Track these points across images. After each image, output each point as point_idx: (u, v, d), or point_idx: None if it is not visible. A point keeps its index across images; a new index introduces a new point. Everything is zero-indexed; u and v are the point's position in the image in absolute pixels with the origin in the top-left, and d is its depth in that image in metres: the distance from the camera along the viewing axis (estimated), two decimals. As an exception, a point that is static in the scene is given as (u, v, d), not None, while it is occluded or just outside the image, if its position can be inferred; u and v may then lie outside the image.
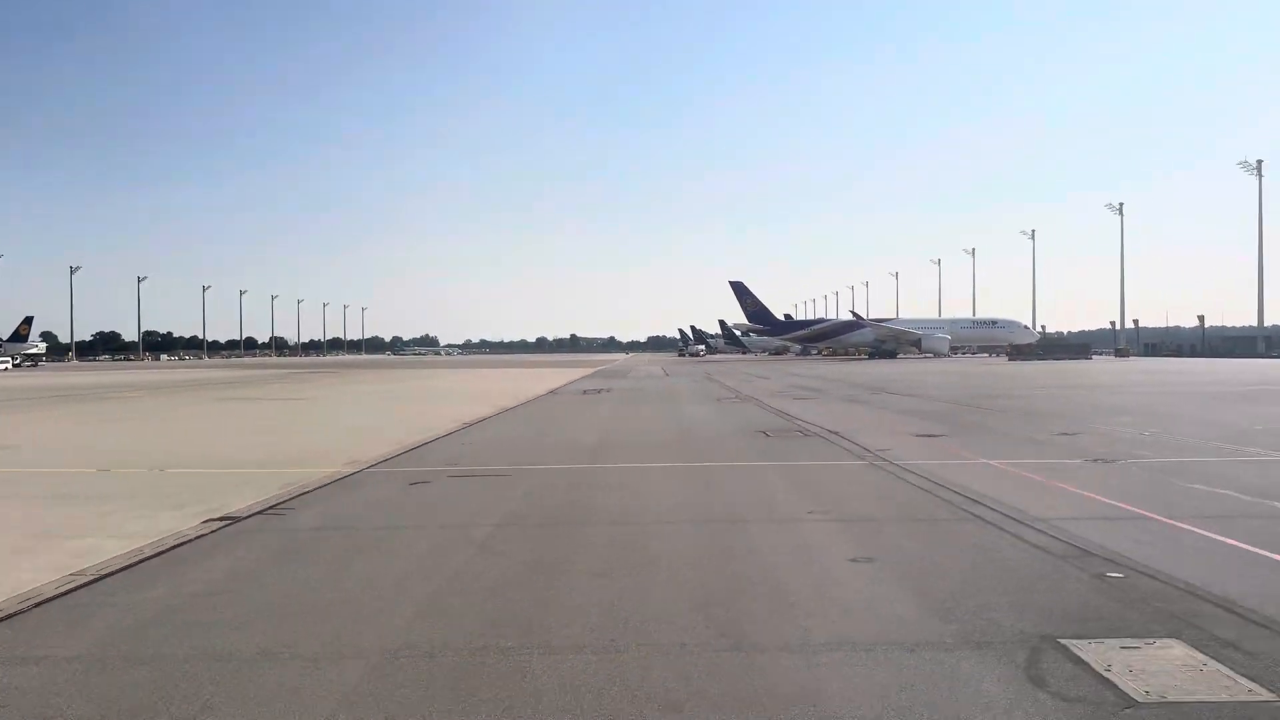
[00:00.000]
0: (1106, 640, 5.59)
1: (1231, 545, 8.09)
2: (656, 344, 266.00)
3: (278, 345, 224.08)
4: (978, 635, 5.74)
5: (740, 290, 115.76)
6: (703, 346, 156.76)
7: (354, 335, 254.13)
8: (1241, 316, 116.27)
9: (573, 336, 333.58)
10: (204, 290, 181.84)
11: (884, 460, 14.14)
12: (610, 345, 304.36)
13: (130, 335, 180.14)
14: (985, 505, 10.10)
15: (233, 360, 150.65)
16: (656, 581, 7.12)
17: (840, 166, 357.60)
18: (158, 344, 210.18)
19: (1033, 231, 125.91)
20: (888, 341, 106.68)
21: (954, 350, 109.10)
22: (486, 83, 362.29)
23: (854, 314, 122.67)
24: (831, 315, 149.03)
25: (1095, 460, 14.04)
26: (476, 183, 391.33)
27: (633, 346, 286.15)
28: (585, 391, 38.26)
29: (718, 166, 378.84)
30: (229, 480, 12.84)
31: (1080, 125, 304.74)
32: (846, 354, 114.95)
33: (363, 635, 5.86)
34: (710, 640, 5.69)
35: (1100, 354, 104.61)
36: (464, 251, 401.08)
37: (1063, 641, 5.57)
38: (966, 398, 30.82)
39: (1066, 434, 18.14)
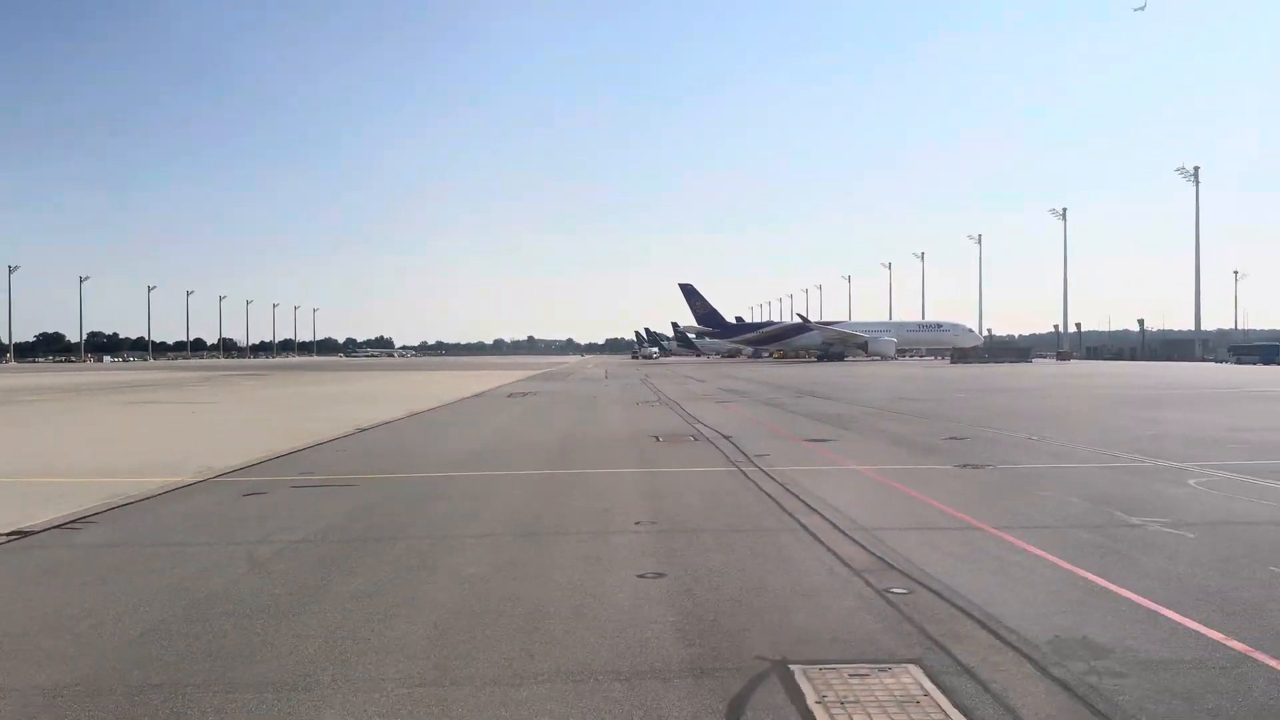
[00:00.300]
0: (843, 666, 5.24)
1: (1039, 558, 7.82)
2: (614, 346, 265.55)
3: (226, 347, 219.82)
4: (711, 661, 5.35)
5: (690, 293, 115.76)
6: (656, 349, 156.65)
7: (311, 336, 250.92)
8: (1184, 320, 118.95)
9: (530, 338, 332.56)
10: (149, 290, 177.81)
11: (755, 467, 13.80)
12: (569, 347, 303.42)
13: (76, 336, 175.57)
14: (820, 514, 9.78)
15: (175, 362, 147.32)
16: (416, 605, 6.63)
17: (802, 174, 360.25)
18: (103, 345, 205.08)
19: (979, 236, 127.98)
20: (835, 344, 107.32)
21: (901, 353, 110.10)
22: (458, 86, 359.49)
23: (801, 317, 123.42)
24: (788, 319, 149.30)
25: (965, 466, 13.84)
26: (437, 186, 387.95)
27: (591, 349, 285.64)
28: (511, 395, 37.65)
29: (679, 172, 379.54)
30: (57, 490, 12.12)
31: (1033, 134, 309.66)
32: (797, 356, 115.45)
33: (39, 670, 5.31)
34: (417, 674, 5.22)
35: (1043, 357, 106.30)
36: (425, 253, 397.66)
37: (794, 667, 5.21)
38: (886, 400, 30.76)
39: (957, 438, 18.00)
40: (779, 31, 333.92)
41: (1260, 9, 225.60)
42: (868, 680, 5.03)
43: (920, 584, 6.97)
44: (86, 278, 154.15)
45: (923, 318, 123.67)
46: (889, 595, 6.70)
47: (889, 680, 5.03)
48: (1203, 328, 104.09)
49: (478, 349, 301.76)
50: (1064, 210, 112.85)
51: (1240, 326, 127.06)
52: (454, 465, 14.61)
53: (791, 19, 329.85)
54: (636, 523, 9.52)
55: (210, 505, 11.04)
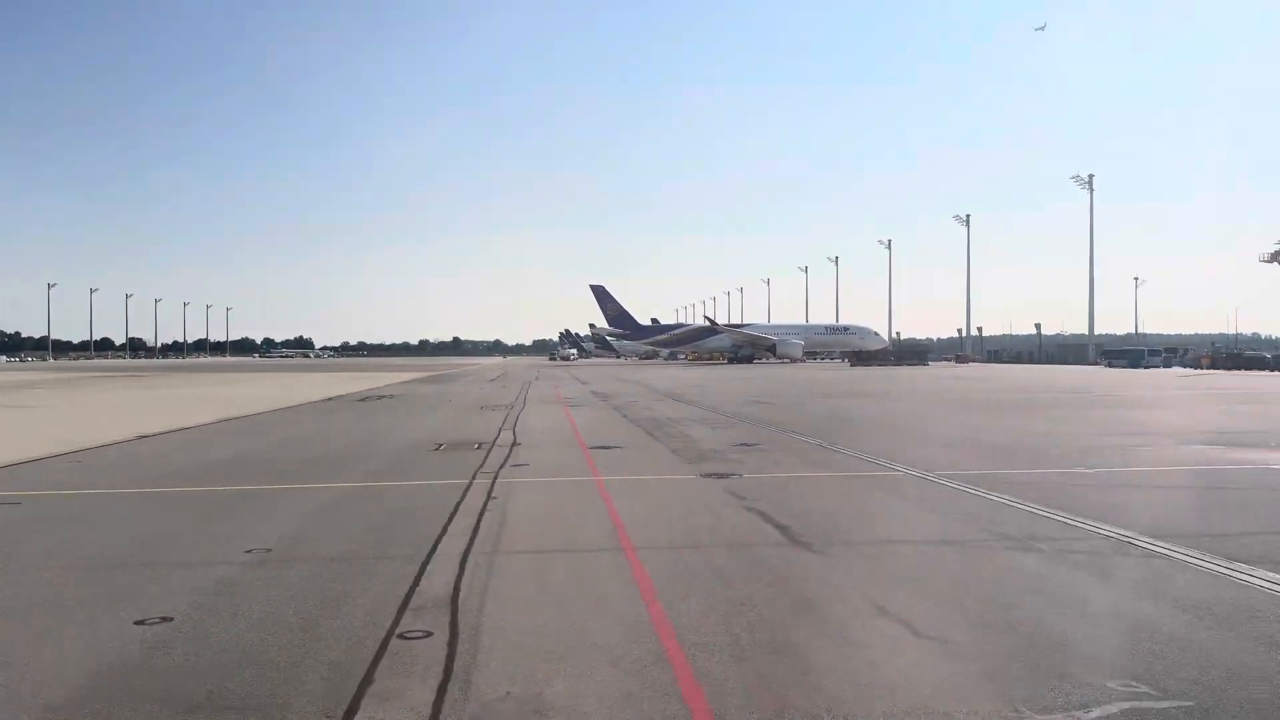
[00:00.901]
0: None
1: (630, 587, 7.03)
2: (540, 348, 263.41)
3: (134, 346, 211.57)
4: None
5: (601, 294, 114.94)
6: (575, 351, 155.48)
7: (225, 336, 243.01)
8: (1085, 325, 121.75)
9: (456, 339, 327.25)
10: (49, 288, 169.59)
11: (490, 480, 12.89)
12: (496, 348, 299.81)
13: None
14: (476, 535, 8.93)
15: (74, 363, 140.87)
16: None
17: (733, 179, 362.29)
18: (3, 345, 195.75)
19: (889, 242, 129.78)
20: (744, 346, 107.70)
21: (812, 355, 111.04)
22: (387, 82, 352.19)
23: (709, 320, 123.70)
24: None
25: (709, 475, 13.15)
26: (363, 186, 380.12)
27: (518, 350, 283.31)
28: (366, 398, 36.25)
29: (610, 174, 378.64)
30: None
31: (946, 145, 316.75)
32: (710, 359, 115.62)
33: None
34: None
35: (946, 360, 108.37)
36: (359, 252, 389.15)
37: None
38: (736, 404, 30.25)
39: (748, 444, 17.43)
40: (712, 38, 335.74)
41: (1158, 28, 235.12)
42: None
43: (456, 628, 6.07)
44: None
45: (836, 321, 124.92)
46: (400, 637, 5.83)
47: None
48: (1111, 332, 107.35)
49: (402, 350, 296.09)
50: (967, 216, 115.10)
51: (1140, 331, 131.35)
52: (172, 480, 13.35)
53: (716, 25, 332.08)
54: (248, 551, 8.48)
55: None
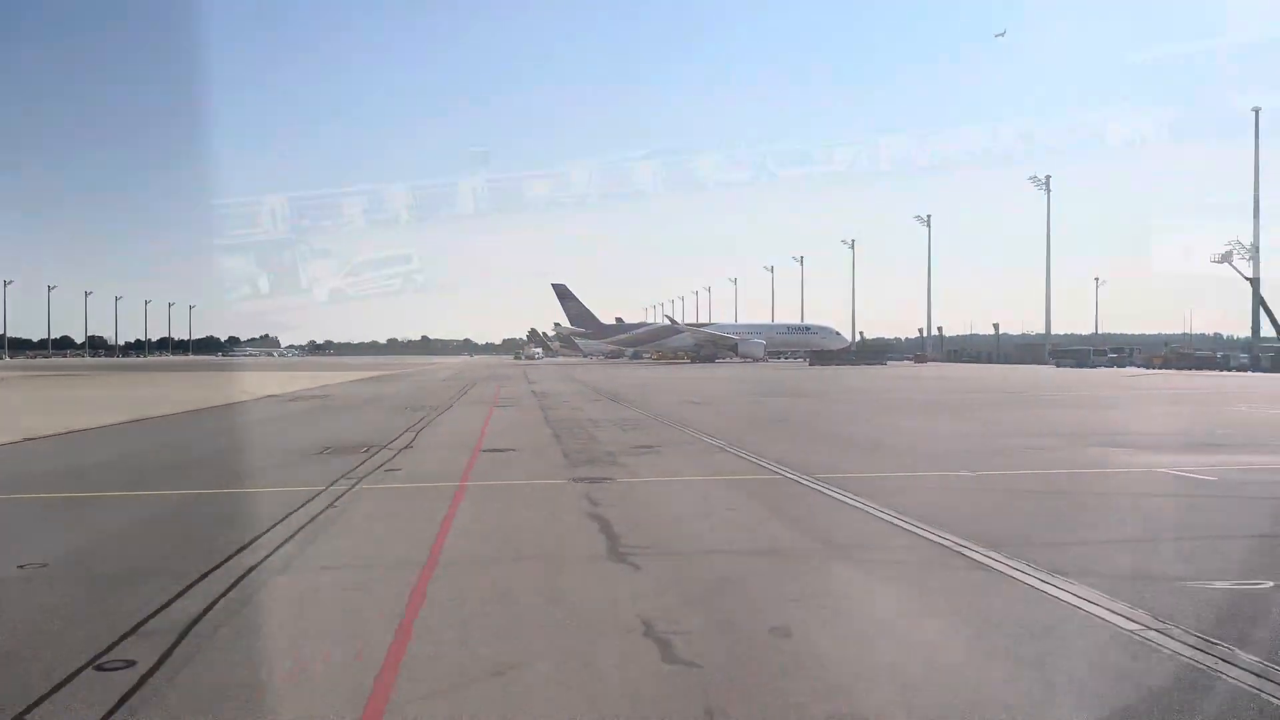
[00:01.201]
0: None
1: (394, 610, 6.55)
2: (510, 346, 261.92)
3: (94, 345, 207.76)
4: None
5: (563, 293, 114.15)
6: (539, 350, 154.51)
7: (202, 334, 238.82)
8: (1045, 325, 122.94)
9: (424, 338, 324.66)
10: (5, 285, 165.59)
11: (349, 486, 12.33)
12: (465, 347, 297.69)
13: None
14: (271, 550, 8.36)
15: (29, 361, 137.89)
16: None
17: (726, 176, 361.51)
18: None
19: (852, 241, 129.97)
20: (705, 346, 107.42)
21: (776, 354, 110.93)
22: (385, 82, 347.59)
23: (669, 319, 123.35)
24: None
25: (582, 480, 12.67)
26: (330, 183, 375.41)
27: (488, 348, 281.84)
28: (296, 398, 35.44)
29: (580, 172, 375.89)
30: None
31: (915, 145, 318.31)
32: (675, 358, 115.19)
33: None
34: None
35: (908, 359, 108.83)
36: (333, 249, 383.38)
37: None
38: (670, 405, 29.78)
39: (646, 447, 16.98)
40: (705, 39, 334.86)
41: (1123, 33, 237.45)
42: None
43: (166, 658, 5.52)
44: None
45: (801, 320, 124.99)
46: (98, 668, 5.28)
47: None
48: (1074, 331, 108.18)
49: (370, 349, 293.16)
50: (928, 217, 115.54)
51: (1102, 331, 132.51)
52: (18, 485, 12.70)
53: (709, 26, 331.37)
54: (21, 566, 7.85)
55: None
